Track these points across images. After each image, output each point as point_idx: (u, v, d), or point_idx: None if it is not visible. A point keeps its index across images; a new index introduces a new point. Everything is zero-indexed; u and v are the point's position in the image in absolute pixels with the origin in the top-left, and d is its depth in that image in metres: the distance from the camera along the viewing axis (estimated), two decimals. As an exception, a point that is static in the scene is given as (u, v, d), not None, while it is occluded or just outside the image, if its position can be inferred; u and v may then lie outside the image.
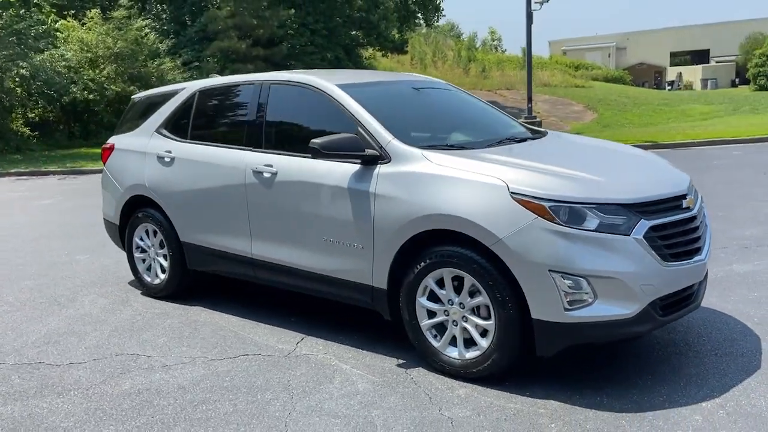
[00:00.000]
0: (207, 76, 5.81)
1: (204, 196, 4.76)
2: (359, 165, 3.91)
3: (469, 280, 3.49)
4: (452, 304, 3.60)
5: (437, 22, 30.14)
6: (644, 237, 3.27)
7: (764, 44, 44.05)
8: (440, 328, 3.72)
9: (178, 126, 5.19)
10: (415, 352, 3.90)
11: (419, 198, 3.60)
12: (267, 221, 4.40)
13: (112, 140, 5.73)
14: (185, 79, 21.89)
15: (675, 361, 3.72)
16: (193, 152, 4.92)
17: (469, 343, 3.60)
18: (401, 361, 3.89)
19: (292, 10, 24.70)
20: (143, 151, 5.29)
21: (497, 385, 3.50)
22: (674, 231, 3.44)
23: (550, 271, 3.21)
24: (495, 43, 55.35)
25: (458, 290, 3.58)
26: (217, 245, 4.77)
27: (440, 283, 3.63)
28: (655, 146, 15.65)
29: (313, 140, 3.86)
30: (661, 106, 30.22)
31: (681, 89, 51.28)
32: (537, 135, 4.56)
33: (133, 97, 6.01)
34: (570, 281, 3.20)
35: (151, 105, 5.54)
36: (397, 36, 27.78)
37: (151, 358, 4.14)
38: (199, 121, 5.09)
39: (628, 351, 3.87)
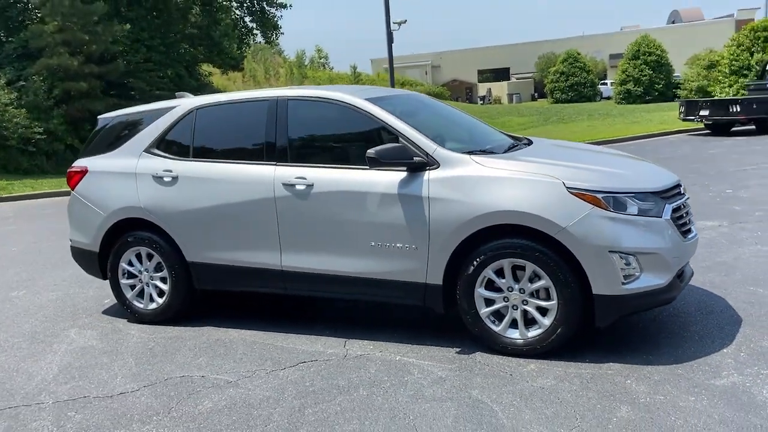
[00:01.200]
0: (174, 95, 5.71)
1: (219, 213, 4.75)
2: (404, 172, 4.22)
3: (530, 267, 3.96)
4: (512, 291, 4.04)
5: (277, 39, 30.28)
6: (670, 218, 3.96)
7: (557, 62, 49.63)
8: (497, 314, 4.13)
9: (175, 145, 5.09)
10: (460, 340, 4.29)
11: (479, 198, 4.01)
12: (301, 232, 4.53)
13: (83, 163, 5.43)
14: (12, 101, 20.13)
15: (681, 322, 4.46)
16: (201, 170, 4.87)
17: (529, 323, 4.06)
18: (457, 349, 4.25)
19: (128, 25, 23.56)
20: (131, 172, 5.11)
21: (555, 357, 3.99)
22: (681, 213, 4.18)
23: (609, 252, 3.78)
24: (322, 60, 56.54)
25: (516, 278, 4.03)
26: (238, 261, 4.78)
27: (499, 273, 4.06)
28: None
29: (369, 150, 4.12)
30: (484, 118, 32.87)
31: (491, 103, 56.08)
32: (529, 141, 5.15)
33: (100, 117, 5.72)
34: (624, 259, 3.80)
35: (130, 125, 5.36)
36: (237, 53, 27.54)
37: (207, 378, 4.10)
38: (203, 139, 5.04)
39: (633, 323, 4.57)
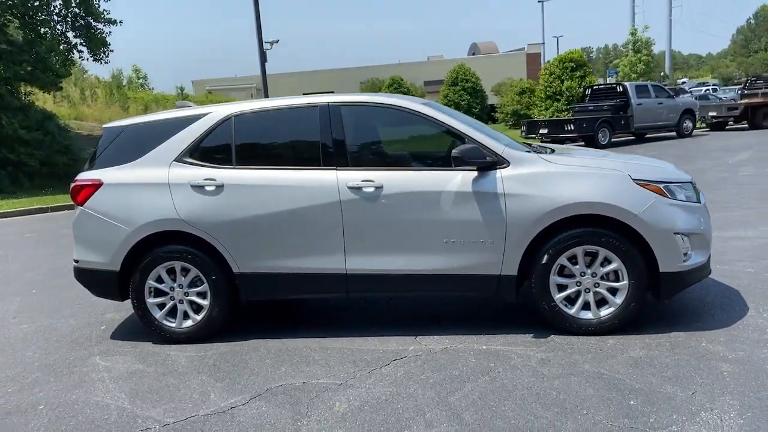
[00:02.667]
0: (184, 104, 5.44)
1: (275, 220, 4.64)
2: (474, 171, 4.48)
3: (602, 253, 4.40)
4: (584, 276, 4.45)
5: (106, 57, 28.24)
6: (703, 204, 4.63)
7: (383, 87, 51.90)
8: (568, 299, 4.51)
9: (213, 153, 4.87)
10: (518, 326, 4.64)
11: (555, 191, 4.38)
12: (370, 234, 4.58)
13: (94, 175, 4.97)
14: None
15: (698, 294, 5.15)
16: (251, 177, 4.72)
17: (600, 303, 4.48)
18: (530, 335, 4.56)
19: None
20: (163, 183, 4.80)
21: (622, 333, 4.46)
22: (699, 200, 4.89)
23: (674, 233, 4.33)
24: (141, 81, 53.70)
25: (588, 263, 4.45)
26: (296, 268, 4.69)
27: (571, 259, 4.45)
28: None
29: (454, 150, 4.36)
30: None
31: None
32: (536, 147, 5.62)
33: (107, 126, 5.24)
34: (683, 240, 4.37)
35: (150, 134, 5.01)
36: (63, 71, 25.41)
37: (311, 383, 4.02)
38: (246, 146, 4.88)
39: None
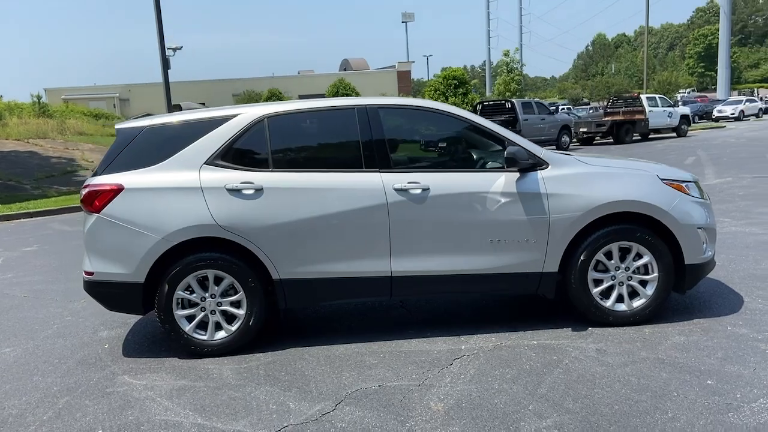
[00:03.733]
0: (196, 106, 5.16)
1: (319, 224, 4.53)
2: (516, 172, 4.65)
3: (635, 248, 4.70)
4: (618, 270, 4.73)
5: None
6: (709, 201, 5.09)
7: (261, 100, 51.23)
8: (603, 292, 4.77)
9: (248, 155, 4.67)
10: (554, 321, 4.85)
11: (594, 191, 4.63)
12: (416, 236, 4.59)
13: (113, 180, 4.58)
14: None
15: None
16: (291, 180, 4.58)
17: (632, 296, 4.78)
18: (568, 329, 4.76)
19: None
20: (194, 187, 4.53)
21: (650, 323, 4.77)
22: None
23: (698, 228, 4.73)
24: (-11, 89, 49.26)
25: (620, 258, 4.73)
26: (340, 272, 4.59)
27: (607, 255, 4.72)
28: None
29: (507, 151, 4.50)
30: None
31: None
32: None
33: (122, 127, 4.82)
34: (703, 234, 4.78)
35: (173, 136, 4.71)
36: None
37: (387, 386, 3.96)
38: (282, 149, 4.72)
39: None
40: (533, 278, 4.71)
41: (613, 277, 4.76)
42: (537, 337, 4.63)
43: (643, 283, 4.78)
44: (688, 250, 4.74)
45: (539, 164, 4.69)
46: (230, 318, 4.66)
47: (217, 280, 4.60)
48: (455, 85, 29.46)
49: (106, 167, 4.66)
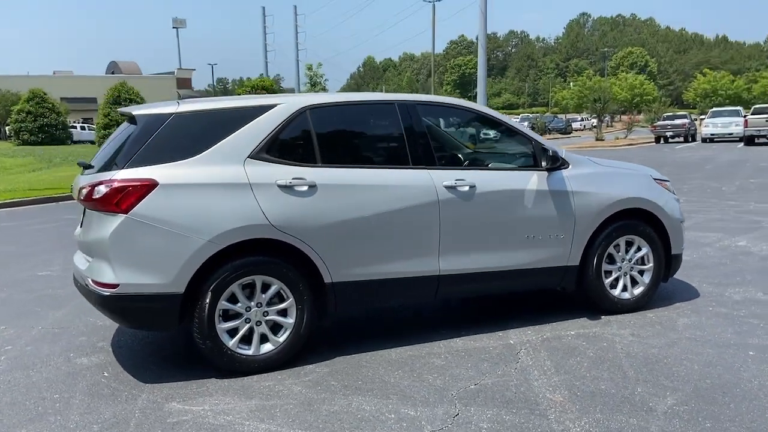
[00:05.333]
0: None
1: (372, 223, 4.30)
2: (545, 171, 4.88)
3: (638, 241, 5.18)
4: (623, 261, 5.18)
5: None
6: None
7: (21, 101, 45.61)
8: (612, 283, 5.17)
9: (293, 149, 4.27)
10: (562, 313, 5.20)
11: (609, 189, 5.03)
12: (463, 233, 4.57)
13: (144, 174, 3.86)
14: None
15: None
16: (345, 177, 4.28)
17: (632, 284, 5.25)
18: (583, 318, 5.07)
19: None
20: (242, 183, 4.03)
21: (648, 308, 5.28)
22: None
23: (680, 222, 5.36)
24: None
25: (625, 251, 5.19)
26: (390, 273, 4.40)
27: (616, 248, 5.14)
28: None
29: (549, 150, 4.68)
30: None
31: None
32: None
33: (143, 114, 4.03)
34: (682, 227, 5.43)
35: (210, 126, 4.13)
36: None
37: (481, 384, 3.90)
38: (327, 143, 4.37)
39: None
40: (560, 272, 4.95)
41: (620, 268, 5.19)
42: (566, 329, 4.86)
43: (641, 273, 5.27)
44: (674, 241, 5.34)
45: (564, 164, 4.96)
46: (275, 329, 4.21)
47: (264, 287, 4.14)
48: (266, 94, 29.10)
49: (129, 160, 3.94)
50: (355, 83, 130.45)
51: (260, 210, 4.02)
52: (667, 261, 5.34)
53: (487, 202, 4.64)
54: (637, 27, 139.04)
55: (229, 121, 4.18)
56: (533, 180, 4.81)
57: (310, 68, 34.83)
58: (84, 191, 4.00)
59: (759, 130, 30.21)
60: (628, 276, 5.22)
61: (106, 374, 4.21)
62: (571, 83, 77.96)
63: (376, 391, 3.82)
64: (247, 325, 4.12)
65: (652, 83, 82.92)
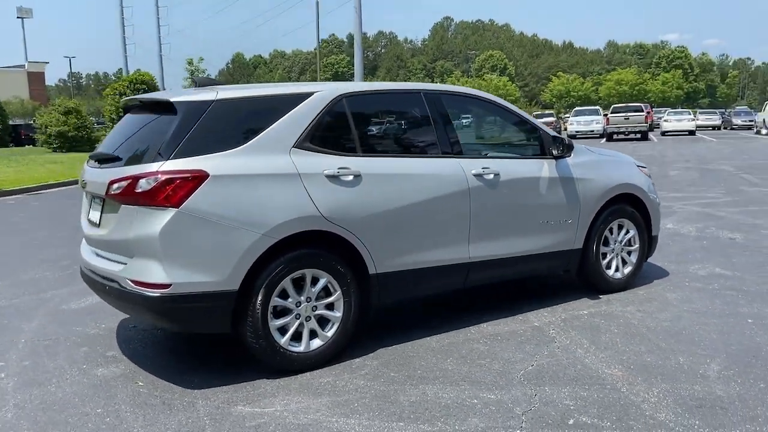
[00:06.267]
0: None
1: (412, 212, 4.28)
2: (552, 159, 5.08)
3: (627, 224, 5.53)
4: (615, 243, 5.51)
5: None
6: None
7: None
8: (607, 264, 5.48)
9: (333, 138, 4.14)
10: (559, 294, 5.47)
11: (606, 175, 5.33)
12: (489, 220, 4.66)
13: (193, 165, 3.58)
14: None
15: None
16: (387, 166, 4.22)
17: (623, 264, 5.59)
18: (585, 299, 5.35)
19: None
20: (292, 173, 3.86)
21: (636, 286, 5.65)
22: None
23: (658, 205, 5.78)
24: None
25: (617, 233, 5.52)
26: (427, 262, 4.40)
27: (610, 231, 5.46)
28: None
29: (566, 139, 4.88)
30: None
31: None
32: None
33: (183, 100, 3.68)
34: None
35: (253, 114, 3.93)
36: None
37: (540, 365, 4.02)
38: (366, 131, 4.29)
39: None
40: (568, 255, 5.18)
41: (612, 250, 5.51)
42: (577, 309, 5.09)
43: (629, 254, 5.63)
44: (654, 224, 5.75)
45: (568, 152, 5.19)
46: (322, 324, 4.09)
47: (313, 281, 4.00)
48: (144, 89, 27.52)
49: (174, 150, 3.65)
50: (225, 80, 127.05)
51: (311, 201, 3.89)
52: (649, 242, 5.74)
53: (509, 190, 4.77)
54: (495, 32, 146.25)
55: (270, 109, 4.00)
56: (545, 168, 4.99)
57: (191, 62, 33.46)
58: (117, 185, 3.67)
59: (618, 128, 33.79)
60: (619, 257, 5.56)
61: (140, 383, 3.88)
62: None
63: (441, 379, 3.81)
64: (297, 321, 3.96)
65: (514, 84, 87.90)
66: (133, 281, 3.63)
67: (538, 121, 5.19)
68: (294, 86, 4.24)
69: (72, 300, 5.72)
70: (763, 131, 37.49)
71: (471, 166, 4.59)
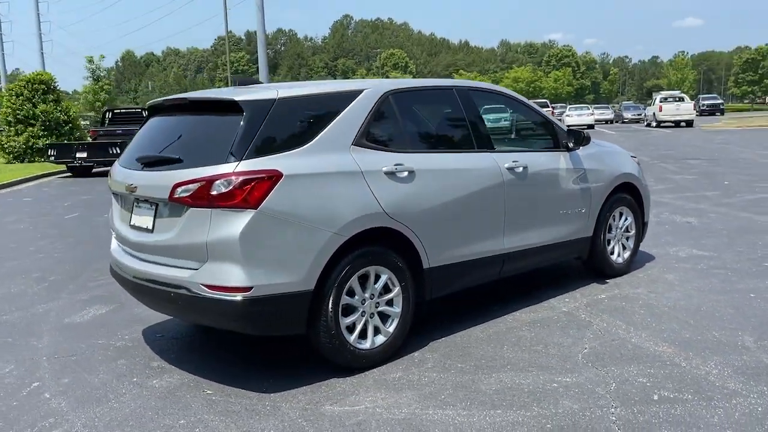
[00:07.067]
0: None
1: (458, 207, 4.36)
2: (566, 151, 5.32)
3: (625, 212, 5.86)
4: (617, 230, 5.82)
5: None
6: None
7: None
8: (611, 250, 5.79)
9: (385, 135, 4.15)
10: (566, 282, 5.75)
11: (611, 166, 5.63)
12: (520, 212, 4.81)
13: (267, 164, 3.49)
14: None
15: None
16: (433, 162, 4.28)
17: (623, 249, 5.91)
18: (592, 285, 5.61)
19: None
20: (356, 170, 3.85)
21: (632, 269, 6.00)
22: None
23: (649, 193, 6.16)
24: None
25: (617, 221, 5.84)
26: (470, 254, 4.49)
27: (613, 219, 5.76)
28: None
29: (586, 132, 5.12)
30: None
31: None
32: None
33: (247, 100, 3.55)
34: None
35: (312, 112, 3.89)
36: None
37: (597, 347, 4.23)
38: (411, 128, 4.32)
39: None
40: (582, 243, 5.43)
41: (615, 237, 5.82)
42: (593, 294, 5.34)
43: (627, 239, 5.97)
44: (646, 210, 6.12)
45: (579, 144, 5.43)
46: (383, 320, 4.10)
47: (377, 277, 4.01)
48: (43, 90, 25.84)
49: (246, 150, 3.56)
50: (115, 79, 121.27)
51: (374, 198, 3.89)
52: (642, 228, 6.11)
53: (536, 182, 4.95)
54: (394, 31, 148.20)
55: (327, 107, 3.97)
56: (562, 160, 5.21)
57: (91, 61, 31.74)
58: (184, 188, 3.53)
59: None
60: (620, 243, 5.88)
61: (209, 391, 3.75)
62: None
63: (510, 367, 3.93)
64: (363, 319, 3.96)
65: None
66: (208, 286, 3.51)
67: (555, 120, 5.40)
68: (341, 83, 4.23)
69: (71, 313, 5.39)
70: (653, 124, 40.30)
71: (503, 159, 4.73)
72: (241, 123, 3.62)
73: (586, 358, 4.02)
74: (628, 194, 5.84)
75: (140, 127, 4.49)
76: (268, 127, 3.66)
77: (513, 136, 5.54)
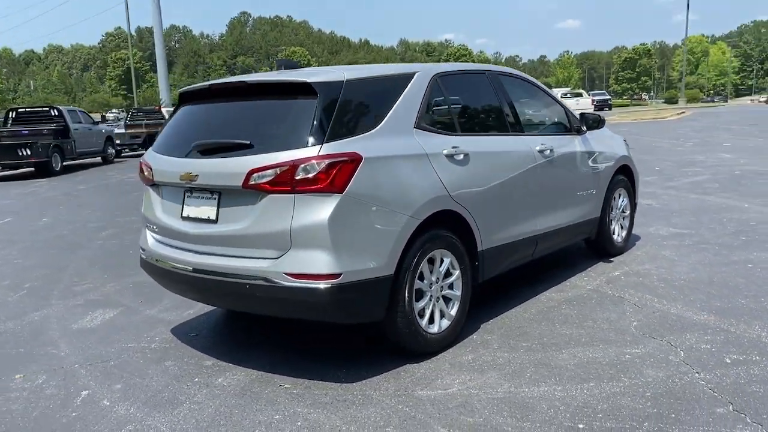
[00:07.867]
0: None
1: (505, 189, 4.41)
2: (576, 135, 5.49)
3: (623, 193, 6.12)
4: (617, 210, 6.07)
5: None
6: None
7: None
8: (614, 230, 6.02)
9: (438, 117, 4.14)
10: (571, 266, 5.96)
11: (612, 148, 5.86)
12: (549, 194, 4.93)
13: (347, 147, 3.37)
14: None
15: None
16: (481, 144, 4.30)
17: (621, 229, 6.17)
18: (601, 264, 5.83)
19: None
20: (422, 153, 3.81)
21: (628, 248, 6.28)
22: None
23: (638, 176, 6.47)
24: None
25: (618, 202, 6.09)
26: (514, 235, 4.54)
27: (614, 200, 6.00)
28: None
29: (601, 115, 5.28)
30: None
31: None
32: None
33: (321, 81, 3.40)
34: (636, 180, 6.56)
35: (376, 95, 3.81)
36: None
37: (641, 323, 4.39)
38: (458, 111, 4.30)
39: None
40: (593, 223, 5.62)
41: (615, 217, 6.07)
42: (607, 272, 5.53)
43: (623, 219, 6.23)
44: (637, 192, 6.42)
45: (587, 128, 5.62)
46: (446, 303, 4.08)
47: (441, 261, 3.99)
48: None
49: (326, 134, 3.43)
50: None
51: (440, 181, 3.87)
52: (633, 208, 6.40)
53: (561, 164, 5.08)
54: (294, 29, 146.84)
55: (387, 90, 3.90)
56: (576, 142, 5.38)
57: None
58: (261, 174, 3.37)
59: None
60: (619, 223, 6.13)
61: (287, 385, 3.59)
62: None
63: (573, 343, 4.01)
64: (432, 303, 3.93)
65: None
66: (292, 275, 3.36)
67: (567, 105, 5.56)
68: (398, 67, 4.17)
69: (76, 319, 5.01)
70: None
71: (533, 142, 4.83)
72: (317, 105, 3.49)
73: (640, 330, 4.17)
74: (624, 177, 6.09)
75: (170, 115, 4.24)
76: (341, 110, 3.55)
77: (535, 120, 5.65)
